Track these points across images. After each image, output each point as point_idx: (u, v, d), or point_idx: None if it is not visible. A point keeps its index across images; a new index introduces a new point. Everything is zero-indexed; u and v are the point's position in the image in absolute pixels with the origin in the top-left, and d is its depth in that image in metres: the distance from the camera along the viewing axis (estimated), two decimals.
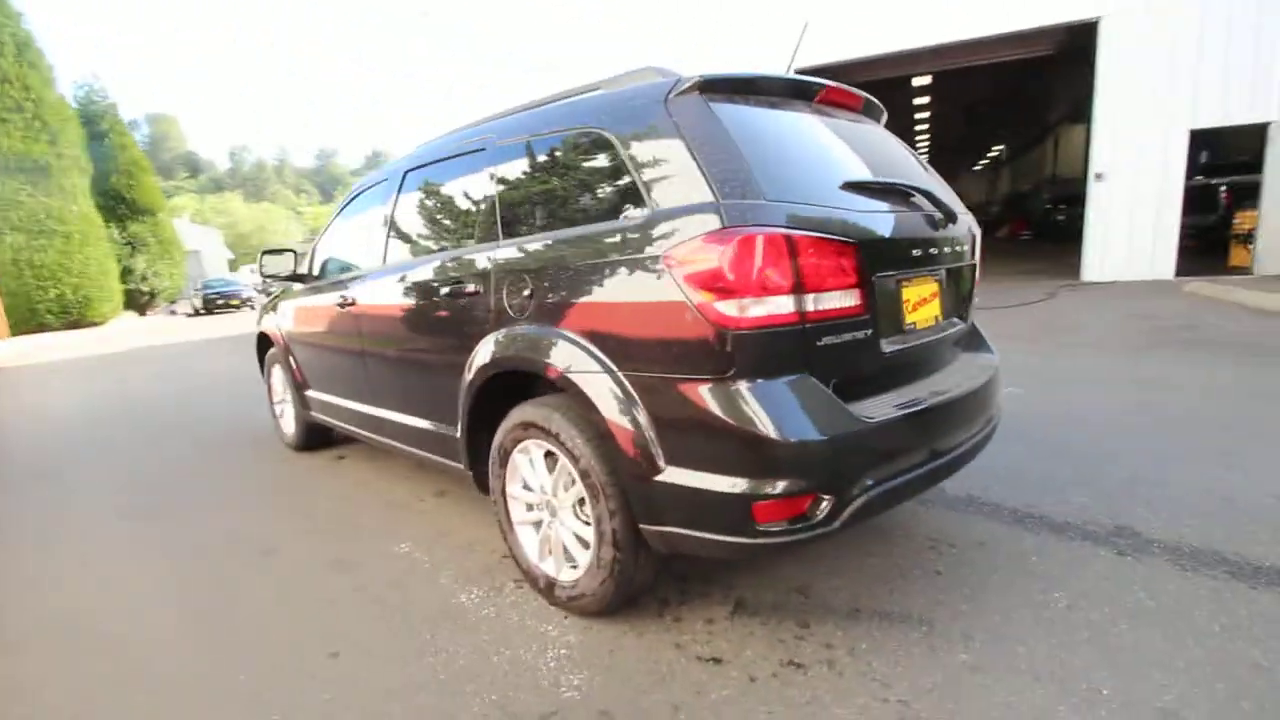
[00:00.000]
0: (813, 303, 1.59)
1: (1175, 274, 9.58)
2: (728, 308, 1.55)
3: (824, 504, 1.61)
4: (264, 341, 4.40)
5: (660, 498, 1.73)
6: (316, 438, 4.14)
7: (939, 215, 2.00)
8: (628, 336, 1.76)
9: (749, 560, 2.35)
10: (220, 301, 22.73)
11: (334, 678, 1.89)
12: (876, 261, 1.75)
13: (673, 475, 1.69)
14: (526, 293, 2.04)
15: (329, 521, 3.04)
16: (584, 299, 1.86)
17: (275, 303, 4.12)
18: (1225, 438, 3.34)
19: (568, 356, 1.88)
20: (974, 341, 2.43)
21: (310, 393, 3.79)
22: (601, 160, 1.91)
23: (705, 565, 2.33)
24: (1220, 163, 11.97)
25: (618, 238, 1.78)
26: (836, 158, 1.89)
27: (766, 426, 1.55)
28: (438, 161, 2.69)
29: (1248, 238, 9.56)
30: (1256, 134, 9.06)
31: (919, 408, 1.79)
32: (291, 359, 3.87)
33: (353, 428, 3.39)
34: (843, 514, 1.63)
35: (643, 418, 1.73)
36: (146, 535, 3.04)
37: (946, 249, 2.02)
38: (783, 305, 1.56)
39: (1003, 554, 2.36)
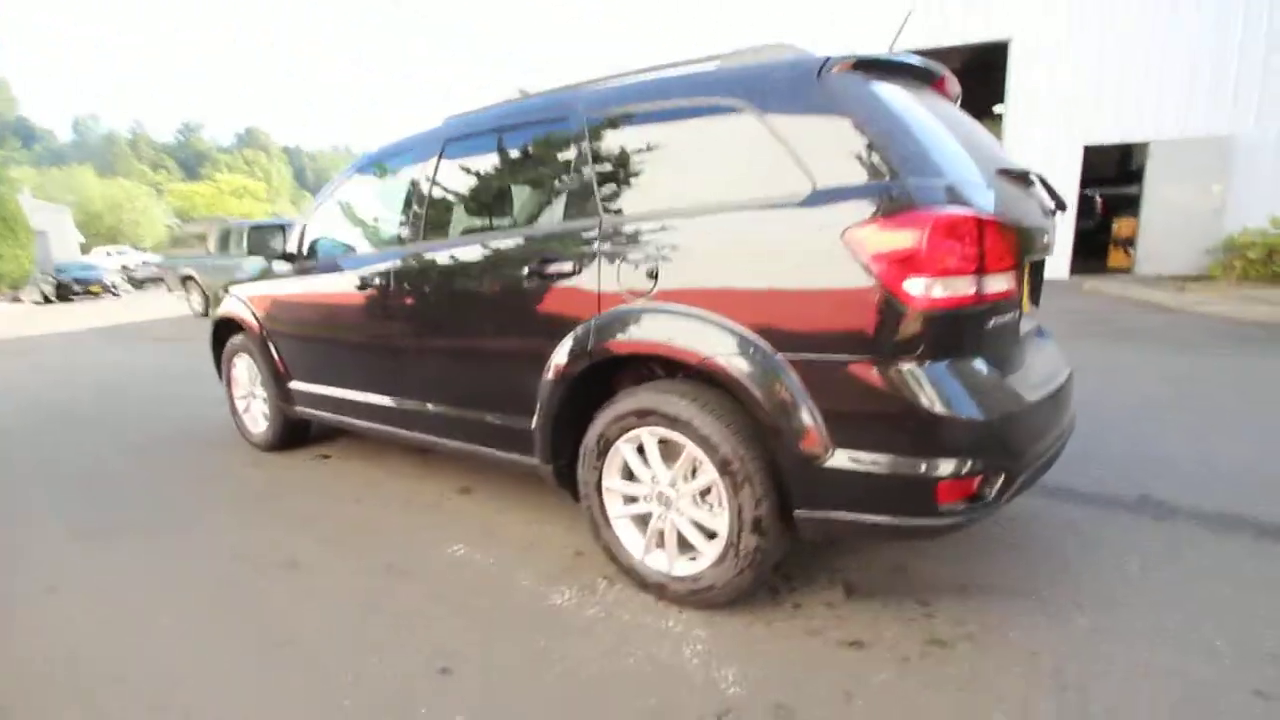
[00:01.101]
0: (989, 285, 1.60)
1: (1069, 273, 10.72)
2: (919, 288, 1.53)
3: (996, 482, 1.63)
4: (224, 329, 3.89)
5: (825, 482, 1.68)
6: (292, 436, 3.72)
7: (1050, 204, 2.08)
8: (789, 317, 1.69)
9: (853, 542, 2.35)
10: (78, 288, 19.96)
11: (460, 698, 1.69)
12: (1024, 246, 1.79)
13: (842, 459, 1.66)
14: (647, 272, 1.91)
15: (350, 528, 2.74)
16: (730, 279, 1.77)
17: (244, 285, 3.65)
18: (1195, 418, 3.77)
19: (711, 340, 1.79)
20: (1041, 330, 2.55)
21: (296, 385, 3.39)
22: (737, 133, 1.83)
23: (799, 549, 2.31)
24: (1096, 175, 13.54)
25: (774, 215, 1.71)
26: (970, 142, 1.91)
27: (959, 407, 1.55)
28: (492, 132, 2.48)
29: (1128, 242, 10.89)
30: (1130, 150, 10.29)
31: (1053, 388, 1.86)
32: (272, 348, 3.45)
33: (362, 422, 3.07)
34: (1008, 492, 1.66)
35: (806, 401, 1.67)
36: (129, 557, 2.60)
37: (1048, 237, 2.11)
38: (967, 287, 1.56)
39: (1055, 525, 2.51)
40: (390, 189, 2.91)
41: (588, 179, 2.11)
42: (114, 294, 20.12)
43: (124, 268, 25.41)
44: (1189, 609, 1.94)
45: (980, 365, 1.65)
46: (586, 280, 2.05)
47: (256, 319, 3.51)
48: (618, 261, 1.98)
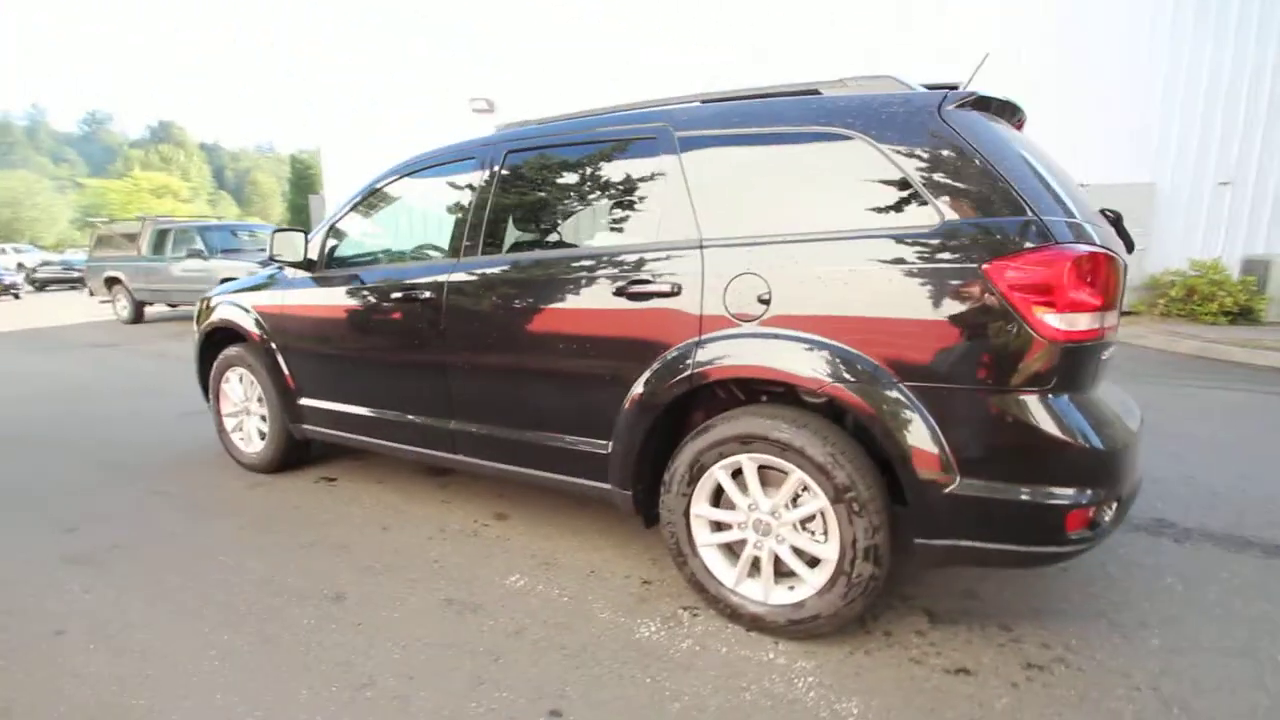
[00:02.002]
0: (1108, 319, 1.68)
1: None
2: (1058, 321, 1.59)
3: (1110, 510, 1.70)
4: (214, 340, 3.60)
5: (951, 510, 1.71)
6: (293, 456, 3.47)
7: (1127, 242, 2.21)
8: (915, 346, 1.72)
9: (922, 569, 2.38)
10: None
11: None
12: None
13: (969, 488, 1.69)
14: (761, 297, 1.90)
15: (388, 557, 2.56)
16: (851, 306, 1.79)
17: (248, 294, 3.39)
18: (1170, 443, 4.06)
19: (833, 367, 1.79)
20: None
21: (308, 401, 3.17)
22: (854, 162, 1.86)
23: None
24: None
25: (901, 244, 1.74)
26: (1065, 179, 2.01)
27: (1095, 437, 1.62)
28: (564, 145, 2.42)
29: None
30: None
31: (1140, 421, 1.96)
32: (281, 361, 3.20)
33: (388, 443, 2.89)
34: (1119, 520, 1.74)
35: (932, 428, 1.70)
36: (140, 593, 2.33)
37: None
38: (1094, 321, 1.64)
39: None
40: (435, 198, 2.79)
41: (684, 199, 2.09)
42: (15, 296, 18.29)
43: (21, 266, 23.17)
44: (1244, 625, 2.07)
45: (1099, 397, 1.72)
46: (686, 303, 2.02)
47: (263, 330, 3.26)
48: (723, 284, 1.96)
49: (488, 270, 2.46)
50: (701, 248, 2.03)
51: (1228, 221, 9.02)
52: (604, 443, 2.25)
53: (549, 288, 2.30)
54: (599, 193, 2.37)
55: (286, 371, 3.20)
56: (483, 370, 2.51)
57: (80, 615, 2.16)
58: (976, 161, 1.72)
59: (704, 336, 1.99)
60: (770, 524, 1.97)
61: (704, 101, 2.24)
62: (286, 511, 3.03)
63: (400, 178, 2.92)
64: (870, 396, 1.75)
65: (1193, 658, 1.92)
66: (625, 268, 2.15)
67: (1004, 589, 2.29)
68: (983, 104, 1.86)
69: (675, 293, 2.04)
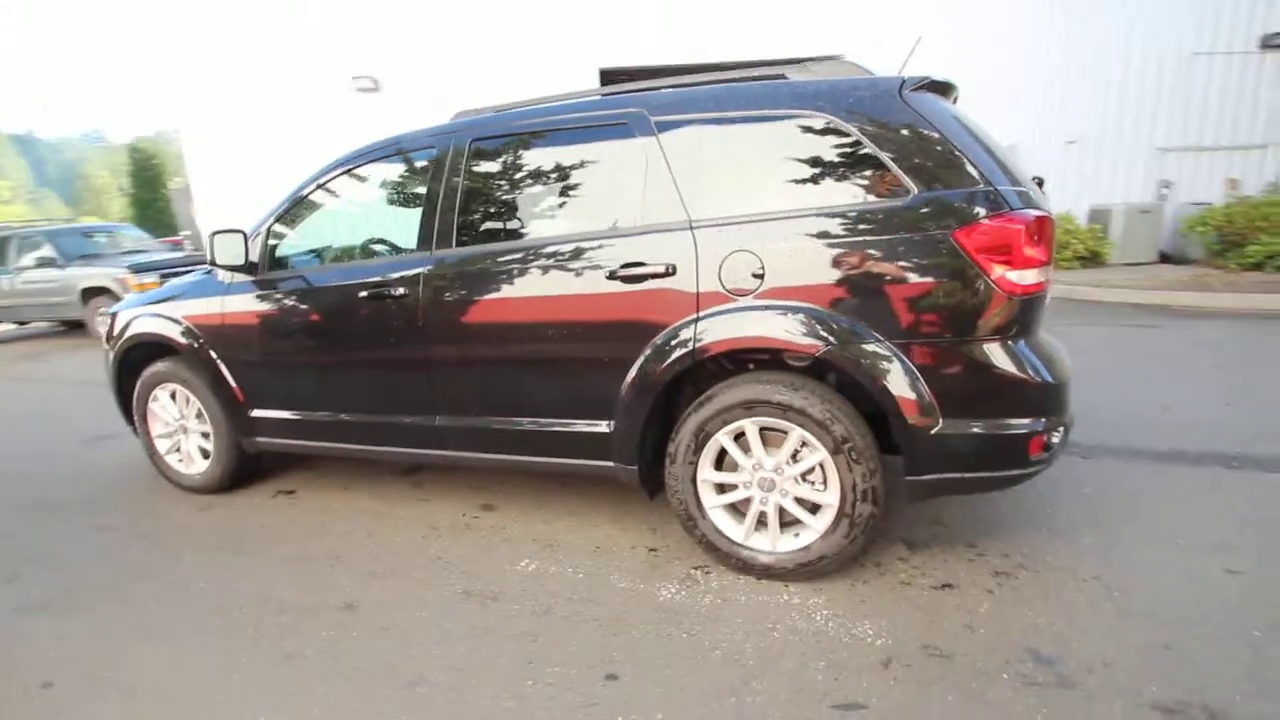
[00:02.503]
0: (1048, 272, 1.97)
1: None
2: (1015, 276, 1.85)
3: (1058, 434, 2.01)
4: (132, 357, 3.29)
5: (935, 449, 1.95)
6: (245, 471, 3.27)
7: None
8: (898, 307, 1.93)
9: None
10: None
11: (646, 696, 1.72)
12: None
13: (950, 426, 1.93)
14: (755, 272, 2.05)
15: (387, 561, 2.52)
16: (839, 275, 1.97)
17: (175, 303, 3.12)
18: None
19: (826, 331, 1.97)
20: None
21: (261, 413, 3.00)
22: (828, 142, 2.03)
23: None
24: None
25: (881, 215, 1.93)
26: (1001, 149, 2.26)
27: (1046, 373, 1.91)
28: (536, 132, 2.44)
29: None
30: None
31: (1069, 359, 2.29)
32: (226, 373, 3.00)
33: (359, 446, 2.82)
34: (1064, 442, 2.05)
35: (917, 379, 1.93)
36: (123, 628, 2.18)
37: None
38: (1040, 275, 1.91)
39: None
40: (392, 191, 2.71)
41: (668, 182, 2.18)
42: None
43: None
44: (1151, 519, 2.51)
45: (1043, 340, 2.02)
46: (682, 282, 2.13)
47: (198, 341, 3.02)
48: (718, 263, 2.08)
49: (468, 262, 2.44)
50: (692, 228, 2.13)
51: (1075, 176, 10.23)
52: (604, 423, 2.33)
53: (536, 276, 2.33)
54: (576, 179, 2.40)
55: (234, 383, 3.00)
56: (470, 363, 2.50)
57: (64, 663, 2.00)
58: (935, 138, 1.93)
59: (702, 313, 2.11)
60: (774, 480, 2.15)
61: (674, 88, 2.33)
62: (253, 530, 2.88)
63: (347, 170, 2.80)
64: (864, 356, 1.95)
65: (1119, 550, 2.31)
66: (615, 251, 2.22)
67: (962, 513, 2.62)
68: (933, 87, 2.08)
69: (670, 273, 2.14)
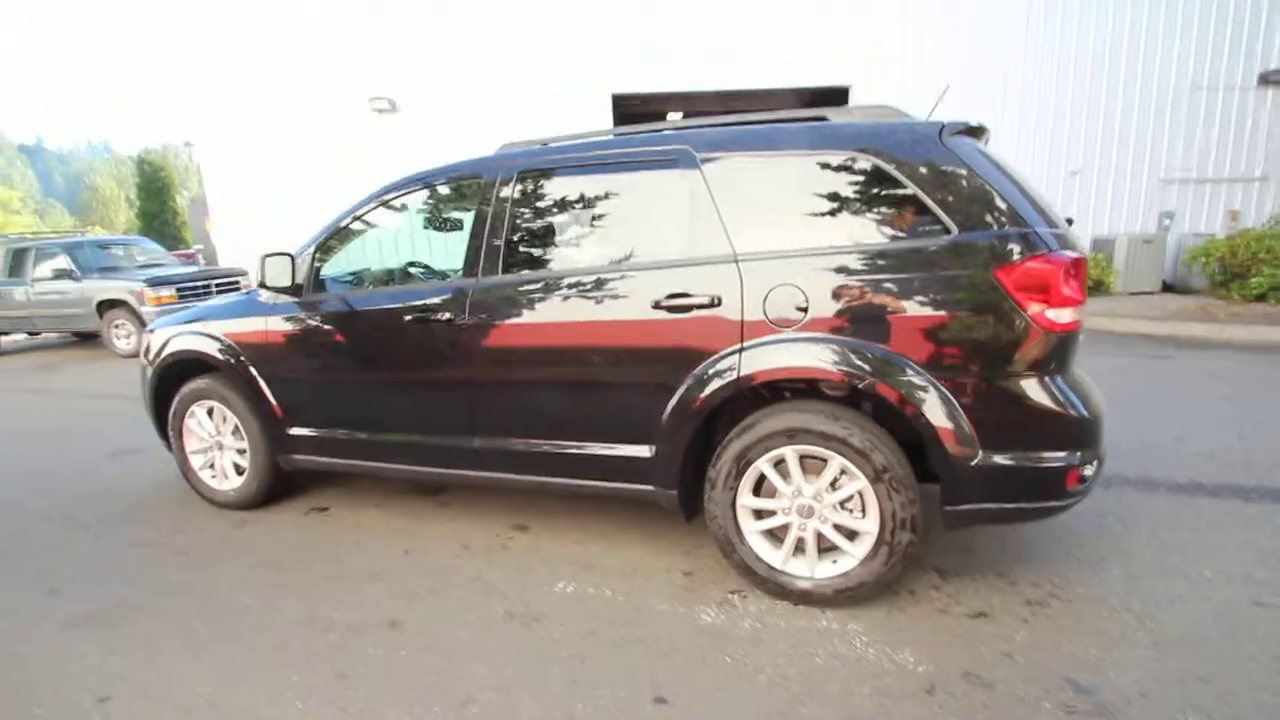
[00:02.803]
0: (1083, 310, 2.04)
1: None
2: (1055, 315, 1.92)
3: (1092, 467, 2.07)
4: (173, 371, 3.35)
5: (975, 479, 2.01)
6: (279, 488, 3.32)
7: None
8: (938, 341, 2.00)
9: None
10: None
11: None
12: None
13: (989, 458, 2.00)
14: (799, 305, 2.12)
15: (425, 580, 2.56)
16: (882, 310, 2.04)
17: (217, 322, 3.19)
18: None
19: (869, 363, 2.04)
20: None
21: (300, 430, 3.05)
22: (870, 182, 2.12)
23: None
24: None
25: (923, 253, 2.01)
26: (1034, 189, 2.35)
27: (1084, 408, 1.97)
28: (583, 166, 2.52)
29: None
30: None
31: (1100, 394, 2.36)
32: (266, 390, 3.06)
33: (398, 466, 2.87)
34: (1098, 475, 2.11)
35: (957, 411, 2.00)
36: (163, 645, 2.21)
37: None
38: (1076, 313, 1.99)
39: None
40: (439, 217, 2.79)
41: (714, 217, 2.26)
42: None
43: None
44: (1175, 551, 2.56)
45: (1079, 376, 2.09)
46: (727, 312, 2.20)
47: (240, 359, 3.09)
48: (762, 295, 2.16)
49: (513, 287, 2.52)
50: (737, 261, 2.21)
51: (1078, 206, 10.39)
52: (645, 447, 2.39)
53: (581, 303, 2.41)
54: (621, 210, 2.49)
55: (274, 401, 3.06)
56: (514, 387, 2.56)
57: (117, 679, 2.03)
58: (975, 181, 2.02)
59: (747, 343, 2.18)
60: (813, 506, 2.21)
61: (720, 126, 2.42)
62: (291, 546, 2.92)
63: (393, 197, 2.89)
64: (907, 388, 2.02)
65: (1147, 581, 2.36)
66: (661, 281, 2.29)
67: (991, 542, 2.67)
68: (969, 131, 2.17)
69: (715, 304, 2.22)
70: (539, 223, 2.61)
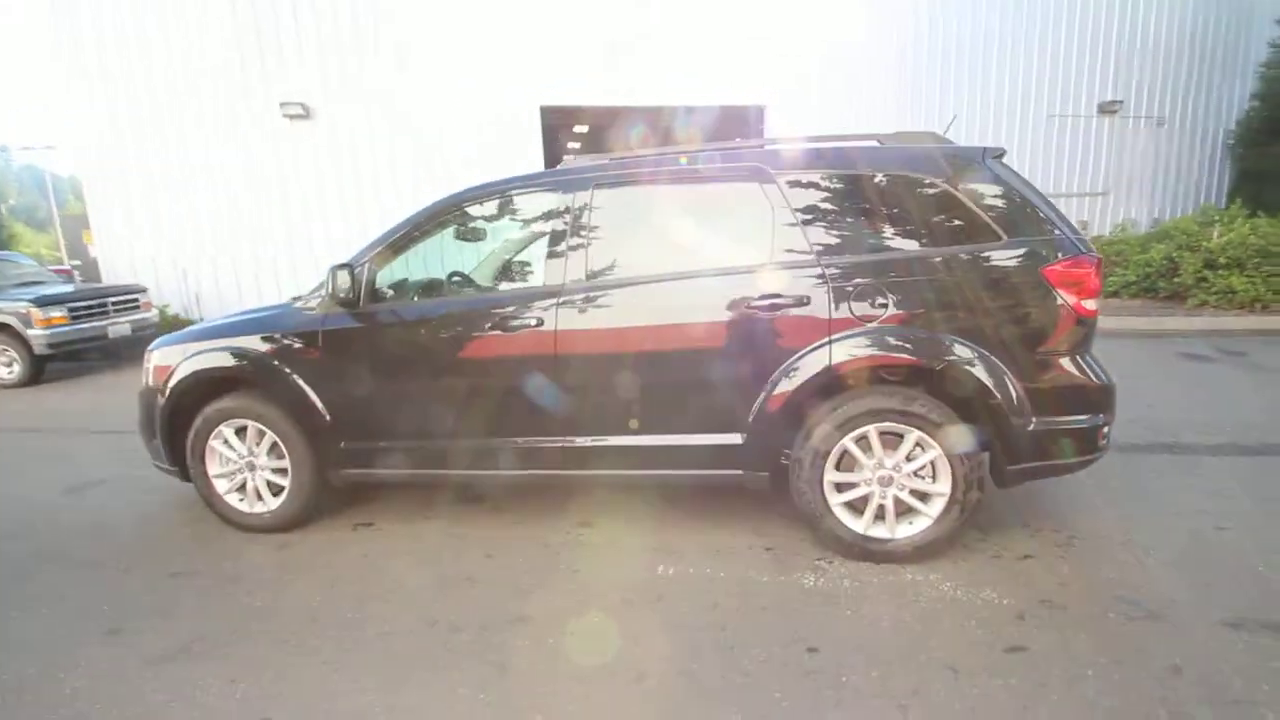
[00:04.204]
0: (1099, 301, 2.53)
1: None
2: (1088, 304, 2.38)
3: (1110, 427, 2.55)
4: (189, 394, 3.14)
5: (1030, 442, 2.43)
6: (320, 506, 3.21)
7: None
8: (999, 329, 2.41)
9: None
10: None
11: (851, 663, 2.01)
12: None
13: (1040, 423, 2.42)
14: (880, 301, 2.45)
15: (525, 579, 2.63)
16: (951, 304, 2.42)
17: (237, 336, 3.05)
18: None
19: (947, 350, 2.41)
20: None
21: (354, 444, 2.99)
22: (933, 197, 2.50)
23: None
24: None
25: (982, 257, 2.41)
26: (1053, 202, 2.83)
27: (1106, 378, 2.46)
28: (659, 180, 2.74)
29: None
30: None
31: None
32: (315, 402, 2.96)
33: (478, 471, 2.92)
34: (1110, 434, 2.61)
35: (1015, 387, 2.41)
36: (286, 665, 2.15)
37: None
38: (1097, 303, 2.46)
39: None
40: (506, 229, 2.88)
41: (795, 225, 2.55)
42: None
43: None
44: (1145, 499, 3.15)
45: (1097, 353, 2.57)
46: (815, 310, 2.49)
47: (286, 373, 2.97)
48: (846, 293, 2.47)
49: (605, 294, 2.67)
50: (820, 264, 2.51)
51: None
52: (736, 435, 2.63)
53: (674, 306, 2.61)
54: (701, 221, 2.72)
55: (327, 415, 2.97)
56: (614, 388, 2.68)
57: (264, 699, 1.97)
58: (1014, 195, 2.46)
59: (834, 336, 2.49)
60: (893, 476, 2.54)
61: (793, 147, 2.72)
62: (358, 561, 2.86)
63: (459, 207, 2.94)
64: (975, 369, 2.40)
65: (1135, 521, 2.90)
66: (751, 283, 2.55)
67: (1009, 498, 3.13)
68: (997, 154, 2.61)
69: (803, 303, 2.50)
70: (619, 233, 2.77)
